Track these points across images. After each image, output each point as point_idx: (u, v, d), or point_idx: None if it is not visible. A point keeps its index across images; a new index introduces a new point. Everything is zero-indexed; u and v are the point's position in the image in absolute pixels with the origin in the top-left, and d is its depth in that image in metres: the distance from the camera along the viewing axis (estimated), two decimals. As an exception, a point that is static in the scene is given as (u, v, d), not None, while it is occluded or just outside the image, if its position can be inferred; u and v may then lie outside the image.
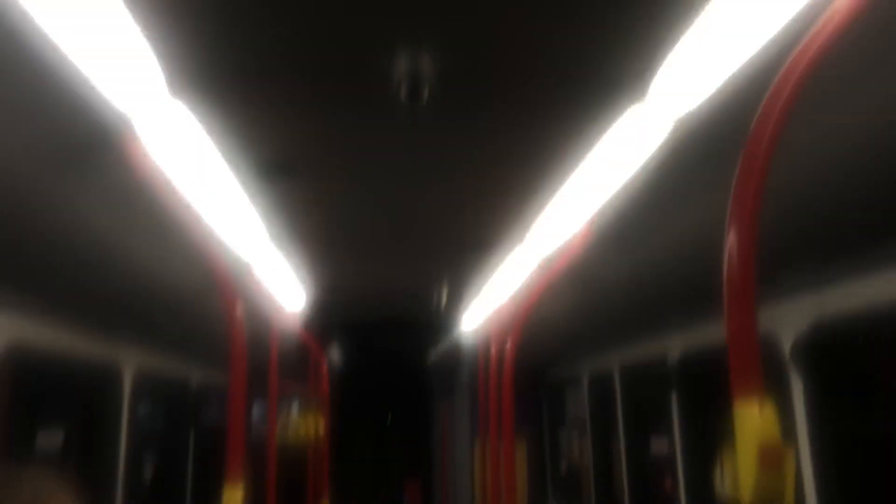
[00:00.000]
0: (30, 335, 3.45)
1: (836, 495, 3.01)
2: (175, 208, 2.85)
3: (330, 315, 7.42)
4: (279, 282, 5.02)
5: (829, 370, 2.99)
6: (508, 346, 4.61)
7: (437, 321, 7.72)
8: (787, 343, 3.10)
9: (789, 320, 3.08)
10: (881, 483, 3.11)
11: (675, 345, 4.83)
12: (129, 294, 3.93)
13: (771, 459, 1.20)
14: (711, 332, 4.28)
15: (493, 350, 5.06)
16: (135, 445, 4.77)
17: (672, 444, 4.92)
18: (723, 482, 4.74)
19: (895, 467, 3.11)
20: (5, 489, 1.48)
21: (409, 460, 10.72)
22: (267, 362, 5.00)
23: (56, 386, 4.46)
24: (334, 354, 8.16)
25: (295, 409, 5.94)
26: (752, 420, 1.23)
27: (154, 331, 4.68)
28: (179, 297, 4.27)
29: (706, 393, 4.67)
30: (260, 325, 4.92)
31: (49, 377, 4.29)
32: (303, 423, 5.94)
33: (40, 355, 3.61)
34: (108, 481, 4.24)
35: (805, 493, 3.13)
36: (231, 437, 2.57)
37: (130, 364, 4.64)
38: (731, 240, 1.35)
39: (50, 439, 4.23)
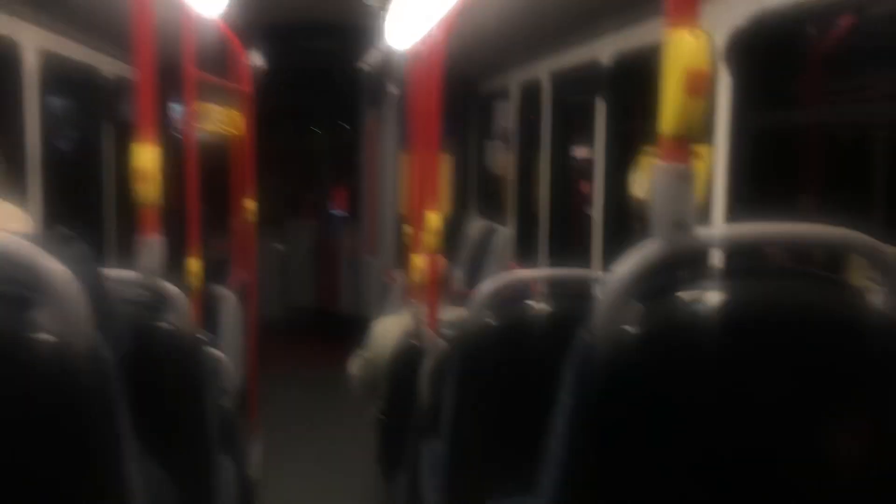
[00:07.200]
0: None
1: (745, 191, 3.12)
2: None
3: (253, 11, 6.96)
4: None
5: (761, 66, 2.95)
6: (438, 47, 4.40)
7: (368, 25, 7.34)
8: (720, 39, 3.02)
9: (725, 16, 2.97)
10: (787, 178, 3.24)
11: (606, 50, 4.73)
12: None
13: (697, 85, 1.15)
14: (645, 34, 4.17)
15: (424, 54, 4.85)
16: (44, 131, 4.57)
17: (593, 150, 5.00)
18: (637, 184, 4.89)
19: (805, 161, 3.22)
20: None
21: (335, 168, 10.76)
22: (180, 52, 4.70)
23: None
24: (258, 53, 7.79)
25: (215, 106, 5.72)
26: (684, 46, 1.15)
27: (56, 6, 4.30)
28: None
29: (632, 99, 4.66)
30: (172, 9, 4.55)
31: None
32: (224, 119, 5.76)
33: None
34: (15, 159, 4.10)
35: (716, 192, 3.23)
36: (141, 98, 2.41)
37: (31, 44, 4.30)
38: None
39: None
